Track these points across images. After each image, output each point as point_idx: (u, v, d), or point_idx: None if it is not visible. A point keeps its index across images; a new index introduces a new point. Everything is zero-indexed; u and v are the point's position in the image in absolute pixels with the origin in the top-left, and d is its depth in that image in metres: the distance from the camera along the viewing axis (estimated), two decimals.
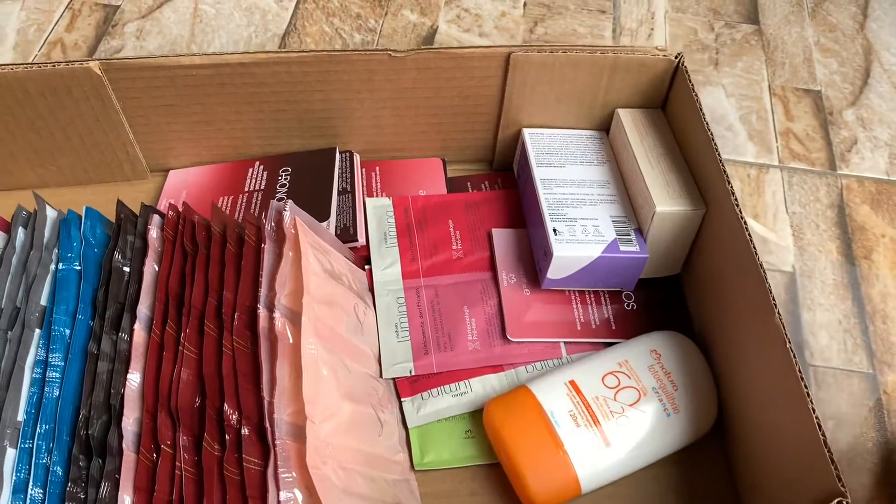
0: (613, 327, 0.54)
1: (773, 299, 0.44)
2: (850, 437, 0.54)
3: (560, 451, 0.46)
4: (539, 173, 0.57)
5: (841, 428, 0.53)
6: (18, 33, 0.76)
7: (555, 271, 0.53)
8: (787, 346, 0.42)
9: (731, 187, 0.49)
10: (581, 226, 0.54)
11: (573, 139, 0.60)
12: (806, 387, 0.41)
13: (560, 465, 0.46)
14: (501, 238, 0.58)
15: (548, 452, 0.46)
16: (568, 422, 0.46)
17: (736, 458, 0.50)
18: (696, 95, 0.52)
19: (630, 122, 0.57)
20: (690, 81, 0.53)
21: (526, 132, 0.60)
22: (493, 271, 0.57)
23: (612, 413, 0.47)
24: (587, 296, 0.56)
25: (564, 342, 0.53)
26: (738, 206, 0.48)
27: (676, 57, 0.55)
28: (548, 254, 0.53)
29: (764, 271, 0.45)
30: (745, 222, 0.47)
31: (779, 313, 0.43)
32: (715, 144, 0.50)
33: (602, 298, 0.56)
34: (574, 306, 0.55)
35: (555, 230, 0.53)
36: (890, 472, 0.52)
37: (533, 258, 0.57)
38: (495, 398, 0.49)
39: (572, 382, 0.48)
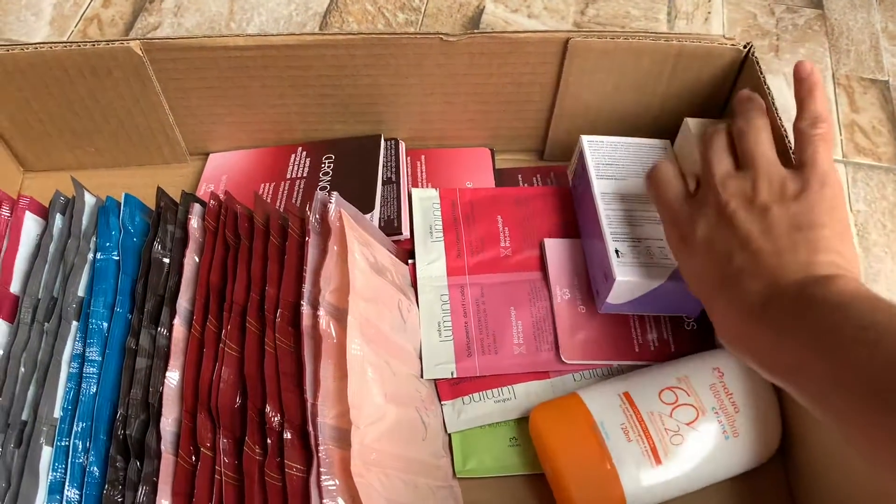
0: (672, 349, 0.51)
1: None
2: None
3: (608, 464, 0.43)
4: (599, 186, 0.52)
5: None
6: (55, 8, 0.74)
7: (615, 296, 0.49)
8: None
9: None
10: (645, 247, 0.49)
11: (634, 149, 0.55)
12: None
13: (606, 480, 0.43)
14: (554, 249, 0.54)
15: (595, 464, 0.44)
16: (619, 435, 0.44)
17: (799, 483, 0.47)
18: (769, 89, 0.49)
19: (699, 134, 0.51)
20: (762, 74, 0.50)
21: (584, 140, 0.55)
22: (543, 272, 0.54)
23: (667, 430, 0.44)
24: (646, 315, 0.52)
25: (619, 364, 0.51)
26: None
27: (745, 46, 0.52)
28: (609, 277, 0.48)
29: None
30: None
31: None
32: (789, 142, 0.47)
33: (662, 318, 0.52)
34: (632, 326, 0.52)
35: (617, 251, 0.49)
36: None
37: (588, 274, 0.53)
38: (543, 403, 0.47)
39: (626, 395, 0.46)
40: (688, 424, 0.45)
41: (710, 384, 0.46)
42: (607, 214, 0.51)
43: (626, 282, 0.48)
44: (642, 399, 0.45)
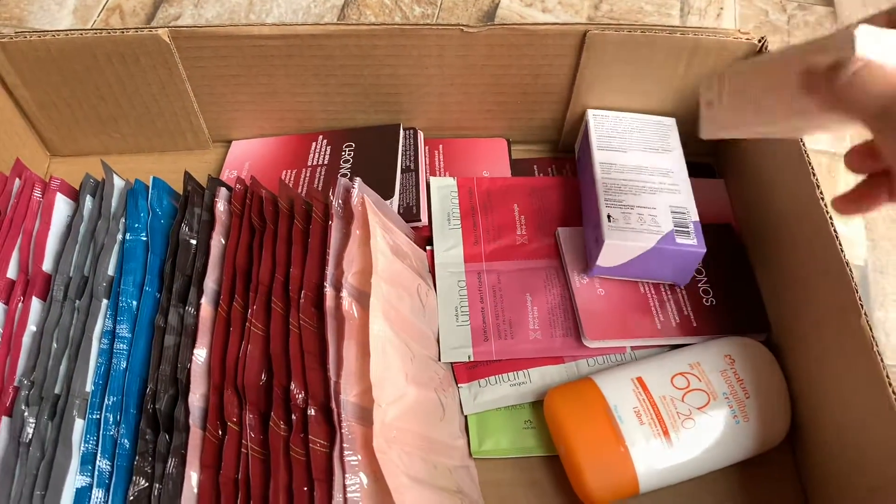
0: (695, 325, 0.52)
1: (860, 300, 0.42)
2: None
3: (621, 447, 0.45)
4: (599, 156, 0.55)
5: None
6: None
7: (605, 259, 0.51)
8: (875, 349, 0.41)
9: (816, 179, 0.47)
10: (637, 214, 0.52)
11: (639, 124, 0.58)
12: (894, 393, 0.39)
13: (620, 462, 0.44)
14: (568, 237, 0.56)
15: (608, 447, 0.45)
16: (632, 418, 0.45)
17: (809, 466, 0.48)
18: None
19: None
20: None
21: (590, 113, 0.58)
22: (558, 260, 0.55)
23: (679, 414, 0.45)
24: (664, 293, 0.54)
25: (642, 342, 0.52)
26: (822, 198, 0.46)
27: (760, 41, 0.53)
28: (599, 240, 0.51)
29: (850, 269, 0.43)
30: (830, 218, 0.45)
31: (865, 314, 0.42)
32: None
33: (679, 295, 0.54)
34: (652, 305, 0.53)
35: (609, 216, 0.51)
36: None
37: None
38: (558, 387, 0.48)
39: (639, 379, 0.47)
40: (699, 409, 0.46)
41: (721, 370, 0.47)
42: (604, 182, 0.53)
43: (615, 245, 0.50)
44: (655, 384, 0.46)
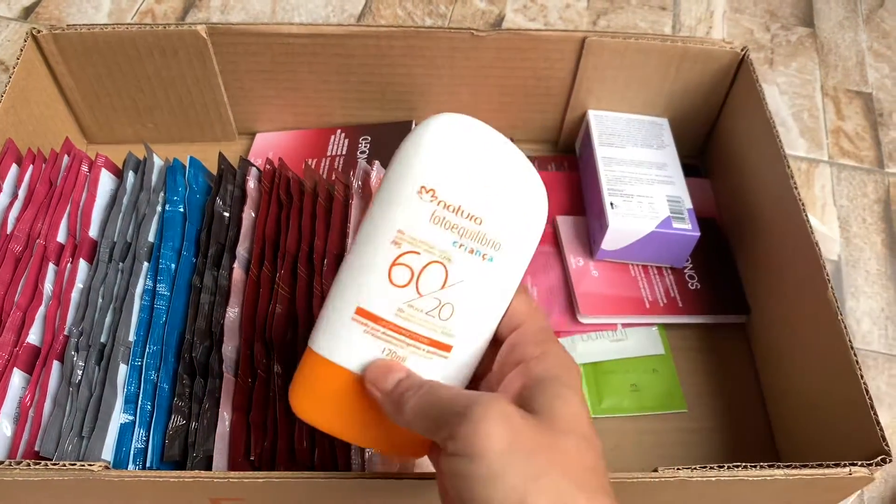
0: (681, 305, 0.57)
1: (828, 275, 0.47)
2: (888, 417, 0.57)
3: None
4: (601, 152, 0.61)
5: (880, 407, 0.56)
6: (112, 2, 0.81)
7: (609, 242, 0.57)
8: (839, 318, 0.46)
9: (794, 181, 0.52)
10: (637, 202, 0.57)
11: (635, 123, 0.64)
12: (855, 354, 0.44)
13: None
14: (566, 224, 0.61)
15: (384, 417, 0.34)
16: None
17: (779, 426, 0.53)
18: (761, 87, 0.56)
19: None
20: (755, 73, 0.57)
21: (591, 113, 0.64)
22: (557, 248, 0.60)
23: (430, 315, 0.34)
24: (652, 276, 0.59)
25: (631, 319, 0.57)
26: (796, 188, 0.51)
27: (742, 49, 0.59)
28: (603, 226, 0.56)
29: (819, 248, 0.48)
30: (805, 212, 0.50)
31: (832, 287, 0.47)
32: (776, 131, 0.53)
33: (667, 279, 0.59)
34: (641, 287, 0.58)
35: (612, 204, 0.57)
36: None
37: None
38: (294, 382, 0.37)
39: (360, 311, 0.34)
40: (442, 288, 0.34)
41: (430, 215, 0.33)
42: (606, 174, 0.59)
43: (618, 230, 0.56)
44: (377, 301, 0.34)
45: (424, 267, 0.34)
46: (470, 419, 0.29)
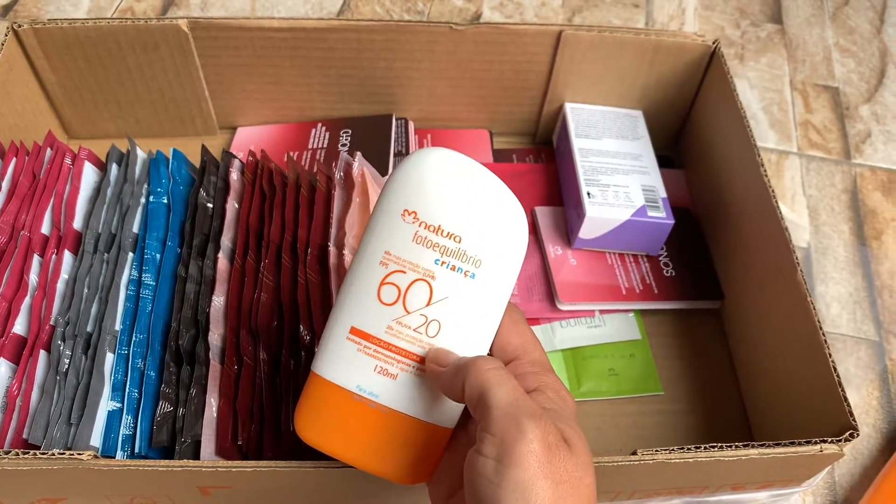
0: (656, 292, 0.59)
1: (798, 262, 0.49)
2: (856, 398, 0.58)
3: (399, 419, 0.36)
4: (578, 143, 0.62)
5: (848, 387, 0.58)
6: (92, 0, 0.81)
7: (586, 231, 0.58)
8: (809, 302, 0.47)
9: (765, 170, 0.53)
10: (613, 192, 0.59)
11: (611, 115, 0.65)
12: (824, 336, 0.46)
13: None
14: (544, 215, 0.63)
15: (384, 433, 0.36)
16: (382, 382, 0.36)
17: (753, 406, 0.55)
18: (731, 78, 0.58)
19: None
20: (726, 65, 0.58)
21: (568, 106, 0.65)
22: (535, 236, 0.62)
23: (417, 331, 0.36)
24: (629, 264, 0.60)
25: (609, 305, 0.58)
26: (767, 178, 0.53)
27: (714, 43, 0.60)
28: (581, 215, 0.58)
29: (789, 236, 0.50)
30: (776, 200, 0.51)
31: (802, 273, 0.48)
32: (747, 122, 0.55)
33: (642, 267, 0.60)
34: (618, 274, 0.60)
35: (589, 193, 0.58)
36: (893, 430, 0.57)
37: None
38: (299, 405, 0.38)
39: (354, 330, 0.36)
40: (428, 304, 0.36)
41: (413, 235, 0.36)
42: (583, 165, 0.60)
43: (595, 218, 0.57)
44: (368, 320, 0.36)
45: (410, 285, 0.36)
46: (523, 434, 0.30)
